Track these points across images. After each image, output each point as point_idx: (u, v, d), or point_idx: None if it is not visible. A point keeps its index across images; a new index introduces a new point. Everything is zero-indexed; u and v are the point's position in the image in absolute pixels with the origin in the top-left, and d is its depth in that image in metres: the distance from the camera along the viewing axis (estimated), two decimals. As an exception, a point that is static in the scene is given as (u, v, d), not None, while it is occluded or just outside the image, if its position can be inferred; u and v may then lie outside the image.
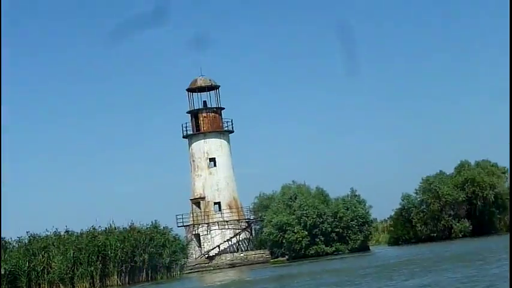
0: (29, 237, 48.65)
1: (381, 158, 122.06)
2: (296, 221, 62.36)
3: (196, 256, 63.34)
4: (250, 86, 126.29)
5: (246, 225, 65.58)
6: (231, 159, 66.45)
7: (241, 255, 62.80)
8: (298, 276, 35.14)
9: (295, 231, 62.08)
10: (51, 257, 46.59)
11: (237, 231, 64.13)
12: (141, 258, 49.93)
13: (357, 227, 63.84)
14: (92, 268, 47.27)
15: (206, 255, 62.78)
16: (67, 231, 50.08)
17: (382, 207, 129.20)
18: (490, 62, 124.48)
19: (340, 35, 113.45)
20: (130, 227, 51.80)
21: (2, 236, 47.96)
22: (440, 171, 70.77)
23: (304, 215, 62.27)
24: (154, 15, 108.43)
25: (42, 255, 46.42)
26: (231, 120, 67.12)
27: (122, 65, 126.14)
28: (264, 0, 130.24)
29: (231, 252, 63.02)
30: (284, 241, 62.60)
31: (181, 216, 64.88)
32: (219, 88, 67.01)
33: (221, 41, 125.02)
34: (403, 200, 71.91)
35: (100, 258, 47.94)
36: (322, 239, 62.73)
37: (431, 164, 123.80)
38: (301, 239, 61.89)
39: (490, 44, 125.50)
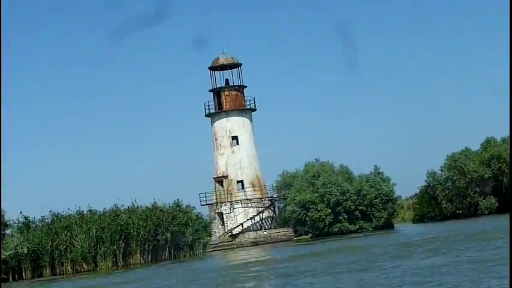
0: (52, 216, 48.84)
1: (406, 135, 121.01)
2: (319, 199, 62.02)
3: (220, 234, 63.37)
4: (272, 64, 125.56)
5: (269, 203, 65.41)
6: (253, 138, 66.19)
7: (265, 233, 62.74)
8: (316, 255, 34.85)
9: (318, 209, 61.76)
10: (73, 236, 46.80)
11: (260, 209, 63.99)
12: (163, 237, 50.05)
13: (380, 204, 63.40)
14: (115, 247, 47.42)
15: (229, 234, 62.77)
16: (90, 210, 50.23)
17: (408, 185, 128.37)
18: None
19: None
20: (152, 205, 51.88)
21: (26, 214, 48.26)
22: (466, 147, 69.82)
23: (328, 192, 61.90)
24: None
25: (65, 234, 46.64)
26: (254, 98, 66.91)
27: (146, 44, 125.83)
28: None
29: (254, 231, 62.97)
30: (307, 219, 62.34)
31: (204, 195, 64.97)
32: (241, 66, 66.69)
33: (243, 18, 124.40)
34: (428, 177, 71.10)
35: (123, 237, 48.10)
36: (346, 216, 62.39)
37: (456, 141, 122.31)
38: (324, 217, 61.57)
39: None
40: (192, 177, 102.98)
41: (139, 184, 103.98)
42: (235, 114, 65.25)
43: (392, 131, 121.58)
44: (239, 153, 64.87)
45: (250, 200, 64.04)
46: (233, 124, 65.14)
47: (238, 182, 64.72)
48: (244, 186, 64.47)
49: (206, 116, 66.41)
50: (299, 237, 63.04)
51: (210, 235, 61.66)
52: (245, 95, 66.52)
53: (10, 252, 44.20)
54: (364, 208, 63.02)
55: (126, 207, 50.90)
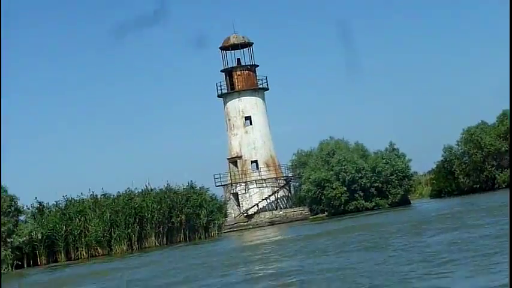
0: (66, 201, 48.72)
1: (422, 110, 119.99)
2: (334, 176, 61.61)
3: (235, 215, 63.18)
4: (284, 42, 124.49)
5: (284, 182, 65.09)
6: (267, 117, 65.76)
7: (280, 212, 62.49)
8: (329, 234, 34.53)
9: (333, 187, 61.37)
10: (87, 220, 46.68)
11: (275, 189, 63.69)
12: (178, 219, 49.87)
13: (396, 181, 62.91)
14: (129, 230, 47.27)
15: (245, 214, 62.58)
16: (104, 194, 50.06)
17: (425, 160, 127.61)
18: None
19: None
20: (166, 188, 51.68)
21: (40, 200, 48.23)
22: (482, 121, 69.03)
23: (343, 170, 61.46)
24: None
25: (78, 219, 46.52)
26: (266, 78, 66.42)
27: (156, 27, 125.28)
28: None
29: (269, 210, 62.73)
30: (323, 197, 61.99)
31: (219, 176, 64.73)
32: (253, 45, 66.12)
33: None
34: (444, 152, 70.44)
35: (137, 220, 47.92)
36: (362, 194, 61.97)
37: (472, 115, 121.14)
38: (340, 195, 61.19)
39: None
40: (207, 159, 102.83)
41: (153, 167, 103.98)
42: (248, 94, 64.82)
43: (408, 107, 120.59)
44: (253, 133, 64.50)
45: (265, 180, 63.74)
46: (246, 104, 64.72)
47: (252, 162, 64.42)
48: (259, 166, 64.17)
49: (218, 96, 66.04)
50: (315, 216, 62.78)
51: (226, 216, 61.50)
52: (257, 74, 66.09)
53: (24, 238, 44.15)
54: (380, 185, 62.57)
55: (140, 190, 50.75)
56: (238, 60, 65.81)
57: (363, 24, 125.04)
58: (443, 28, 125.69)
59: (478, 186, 66.97)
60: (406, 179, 64.02)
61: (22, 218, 46.81)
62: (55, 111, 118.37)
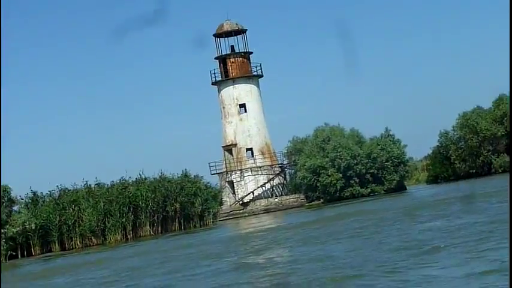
0: (60, 191, 48.53)
1: (418, 96, 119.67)
2: (330, 163, 61.40)
3: (231, 203, 62.98)
4: (278, 29, 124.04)
5: (280, 170, 64.84)
6: (261, 104, 65.43)
7: (276, 200, 62.29)
8: (322, 221, 34.38)
9: (329, 174, 61.18)
10: (81, 210, 46.49)
11: (271, 176, 63.45)
12: (172, 208, 49.69)
13: (392, 167, 62.71)
14: (124, 219, 47.09)
15: (240, 202, 62.37)
16: (97, 184, 49.89)
17: (421, 146, 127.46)
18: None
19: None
20: (160, 177, 51.47)
21: (34, 189, 48.04)
22: (478, 106, 68.80)
23: (338, 157, 61.25)
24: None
25: (72, 209, 46.33)
26: (260, 65, 66.02)
27: (149, 16, 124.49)
28: None
29: (265, 198, 62.53)
30: (318, 184, 61.81)
31: (214, 164, 64.49)
32: (246, 32, 65.70)
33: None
34: (440, 137, 70.30)
35: (131, 209, 47.76)
36: (357, 180, 61.78)
37: (468, 100, 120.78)
38: (335, 181, 61.00)
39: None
40: (202, 147, 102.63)
41: (147, 156, 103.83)
42: (242, 82, 64.45)
43: (404, 92, 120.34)
44: (247, 120, 64.19)
45: (260, 167, 63.49)
46: (240, 91, 64.37)
47: (247, 149, 64.14)
48: (254, 154, 63.90)
49: (213, 84, 65.68)
50: (311, 203, 62.61)
51: (221, 204, 61.32)
52: (251, 61, 65.66)
53: (18, 228, 43.95)
54: (376, 171, 62.38)
55: (134, 180, 50.53)
56: (232, 47, 65.42)
57: (359, 12, 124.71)
58: (439, 14, 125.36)
59: (474, 171, 66.82)
60: (402, 165, 63.83)
61: (16, 208, 46.65)
62: (49, 102, 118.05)
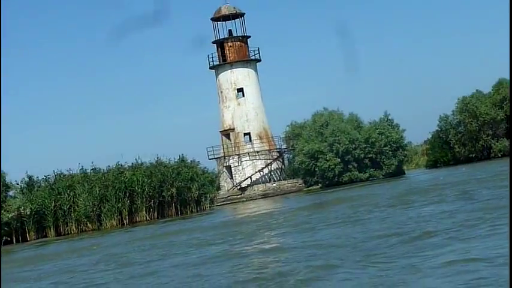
0: (55, 176, 48.25)
1: (417, 80, 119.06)
2: (328, 148, 61.01)
3: (229, 188, 62.67)
4: (276, 13, 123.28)
5: (278, 155, 64.47)
6: (259, 89, 64.95)
7: (274, 185, 61.95)
8: (315, 207, 34.07)
9: (327, 158, 60.79)
10: (77, 195, 46.21)
11: (269, 161, 63.10)
12: (169, 193, 49.42)
13: (390, 152, 62.30)
14: (120, 205, 46.81)
15: (238, 187, 62.06)
16: (93, 169, 49.61)
17: (421, 130, 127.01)
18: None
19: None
20: (156, 162, 51.18)
21: (30, 174, 47.77)
22: (477, 90, 68.28)
23: (336, 141, 60.84)
24: None
25: (68, 194, 46.05)
26: (258, 49, 65.43)
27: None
28: None
29: (263, 183, 62.21)
30: (317, 169, 61.44)
31: (211, 149, 64.10)
32: (244, 16, 65.13)
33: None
34: (440, 122, 69.86)
35: (127, 194, 47.49)
36: (355, 165, 61.39)
37: (467, 84, 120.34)
38: (333, 166, 60.62)
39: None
40: (199, 132, 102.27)
41: (145, 141, 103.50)
42: (240, 66, 63.94)
43: (403, 76, 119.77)
44: (245, 105, 63.75)
45: (258, 152, 63.11)
46: (238, 76, 63.89)
47: (245, 134, 63.73)
48: (252, 139, 63.50)
49: (210, 68, 65.19)
50: (309, 188, 62.28)
51: (219, 189, 61.00)
52: (249, 45, 65.12)
53: (13, 214, 43.71)
54: (374, 156, 61.99)
55: (130, 165, 50.25)
56: (230, 31, 64.85)
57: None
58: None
59: (473, 155, 66.44)
60: (401, 150, 63.42)
61: (11, 193, 46.38)
62: (45, 86, 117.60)
